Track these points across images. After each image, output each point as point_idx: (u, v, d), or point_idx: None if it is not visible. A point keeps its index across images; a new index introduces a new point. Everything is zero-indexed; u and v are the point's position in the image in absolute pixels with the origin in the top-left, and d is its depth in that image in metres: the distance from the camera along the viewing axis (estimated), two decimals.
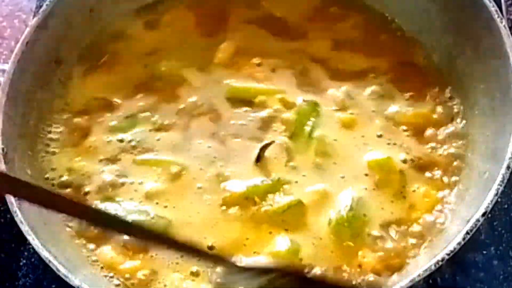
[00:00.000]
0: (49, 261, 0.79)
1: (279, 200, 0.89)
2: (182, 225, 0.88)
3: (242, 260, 0.81)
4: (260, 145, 0.93)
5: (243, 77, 0.99)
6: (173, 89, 0.99)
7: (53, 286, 0.93)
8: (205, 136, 0.95)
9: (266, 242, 0.87)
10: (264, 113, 0.96)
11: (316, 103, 0.96)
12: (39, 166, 0.93)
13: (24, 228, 0.80)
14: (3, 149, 0.85)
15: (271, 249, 0.86)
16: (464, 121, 0.94)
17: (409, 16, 1.01)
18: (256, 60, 1.01)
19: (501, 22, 0.87)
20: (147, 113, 0.97)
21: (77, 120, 0.97)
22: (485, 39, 0.89)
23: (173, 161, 0.93)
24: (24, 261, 0.95)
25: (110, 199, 0.91)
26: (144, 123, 0.96)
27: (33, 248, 0.80)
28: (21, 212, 0.81)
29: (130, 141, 0.95)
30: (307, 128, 0.94)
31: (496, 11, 0.88)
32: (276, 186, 0.90)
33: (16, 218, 0.81)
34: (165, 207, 0.90)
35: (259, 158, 0.92)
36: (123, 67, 1.01)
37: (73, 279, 0.77)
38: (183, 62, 1.01)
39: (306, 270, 0.84)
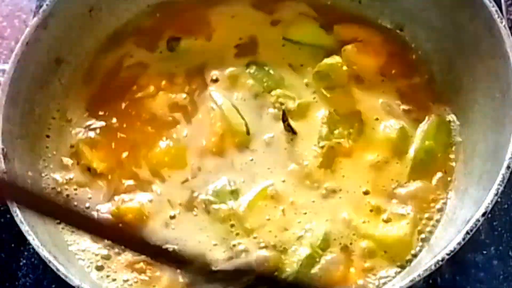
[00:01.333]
0: (49, 261, 0.79)
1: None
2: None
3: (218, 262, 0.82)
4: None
5: None
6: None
7: (53, 286, 0.93)
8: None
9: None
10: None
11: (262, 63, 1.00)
12: (40, 167, 0.93)
13: (24, 228, 0.80)
14: (3, 149, 0.85)
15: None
16: (464, 121, 0.94)
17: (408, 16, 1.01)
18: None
19: (501, 22, 0.87)
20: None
21: None
22: (485, 39, 0.89)
23: (265, 186, 0.91)
24: (24, 261, 0.95)
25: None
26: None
27: (33, 248, 0.80)
28: (21, 212, 0.81)
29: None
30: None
31: (496, 11, 0.88)
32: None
33: (16, 218, 0.81)
34: (306, 213, 0.90)
35: (291, 128, 0.94)
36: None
37: (73, 279, 0.77)
38: None
39: (275, 273, 0.84)
